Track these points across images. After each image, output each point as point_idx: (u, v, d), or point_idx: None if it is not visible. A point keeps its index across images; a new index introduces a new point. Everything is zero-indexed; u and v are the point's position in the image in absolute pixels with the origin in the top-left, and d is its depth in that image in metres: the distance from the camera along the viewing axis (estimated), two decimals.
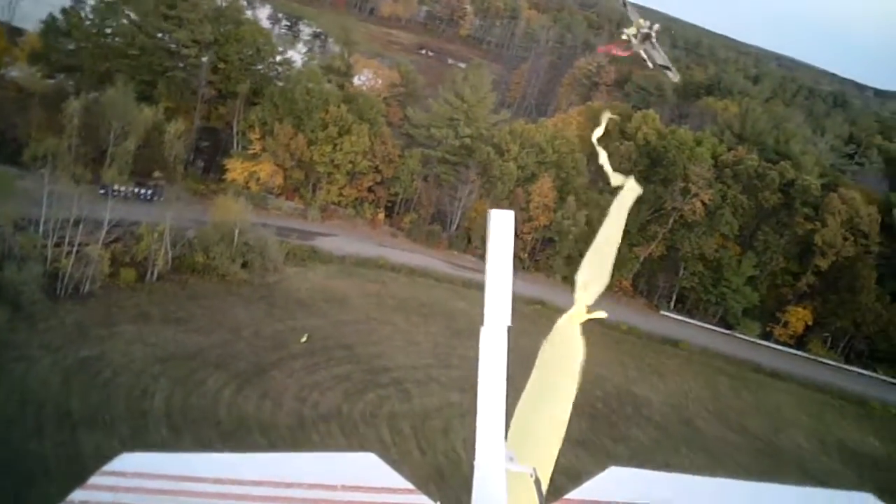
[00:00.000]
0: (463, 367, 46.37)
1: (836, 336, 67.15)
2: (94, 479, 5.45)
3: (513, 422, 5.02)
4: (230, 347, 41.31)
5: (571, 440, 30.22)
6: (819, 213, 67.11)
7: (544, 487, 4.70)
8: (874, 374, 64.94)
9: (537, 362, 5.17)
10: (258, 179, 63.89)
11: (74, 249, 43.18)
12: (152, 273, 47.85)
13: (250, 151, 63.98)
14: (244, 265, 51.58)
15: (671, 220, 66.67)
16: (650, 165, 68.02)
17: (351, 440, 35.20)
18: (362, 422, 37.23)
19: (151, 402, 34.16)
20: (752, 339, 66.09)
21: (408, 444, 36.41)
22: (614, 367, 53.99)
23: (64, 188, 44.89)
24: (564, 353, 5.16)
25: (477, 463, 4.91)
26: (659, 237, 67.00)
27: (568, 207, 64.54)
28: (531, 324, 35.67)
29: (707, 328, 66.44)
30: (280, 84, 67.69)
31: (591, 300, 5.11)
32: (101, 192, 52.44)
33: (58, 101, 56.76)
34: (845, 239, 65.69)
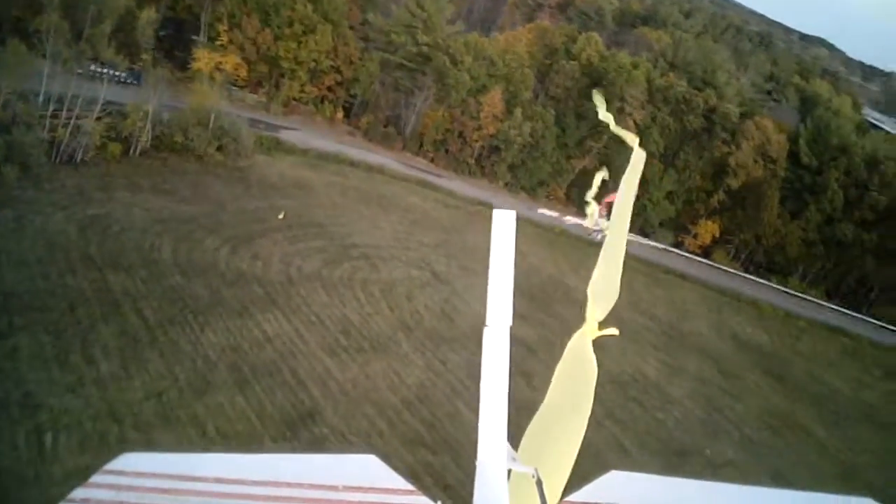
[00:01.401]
0: (420, 251, 53.34)
1: (738, 248, 77.21)
2: (96, 478, 5.46)
3: (526, 438, 4.94)
4: (218, 217, 46.75)
5: (514, 314, 38.27)
6: (735, 138, 75.90)
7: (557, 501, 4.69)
8: (768, 283, 75.36)
9: (553, 378, 5.04)
10: (222, 71, 67.55)
11: (72, 121, 47.30)
12: (135, 149, 52.29)
13: (217, 43, 67.44)
14: (219, 148, 56.37)
15: (605, 137, 74.10)
16: (591, 85, 74.55)
17: (332, 297, 41.74)
18: (340, 284, 43.72)
19: (160, 254, 39.67)
20: (665, 247, 75.19)
21: (379, 304, 43.16)
22: (548, 262, 61.91)
23: (52, 65, 48.45)
24: (578, 371, 5.01)
25: (479, 462, 4.76)
26: (593, 151, 74.50)
27: (515, 119, 71.05)
28: (477, 222, 46.30)
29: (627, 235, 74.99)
30: None
31: (601, 316, 5.04)
32: (79, 72, 55.60)
33: None
34: (756, 162, 74.84)
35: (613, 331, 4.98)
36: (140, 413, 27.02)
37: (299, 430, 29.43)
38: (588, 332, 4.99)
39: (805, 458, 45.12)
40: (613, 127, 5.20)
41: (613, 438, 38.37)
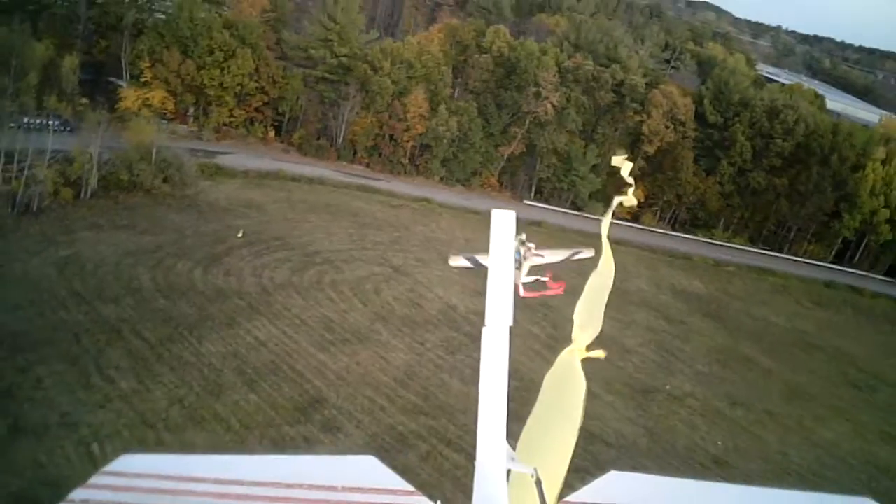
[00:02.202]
0: (376, 249, 56.93)
1: (663, 209, 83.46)
2: (95, 479, 5.53)
3: (518, 446, 5.10)
4: (181, 243, 49.31)
5: (470, 291, 42.29)
6: (645, 107, 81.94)
7: None
8: (695, 237, 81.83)
9: (542, 390, 5.18)
10: (150, 106, 69.55)
11: (24, 174, 49.11)
12: (86, 191, 54.19)
13: (142, 80, 69.46)
14: (165, 180, 58.60)
15: (527, 122, 79.17)
16: (505, 75, 79.68)
17: (307, 300, 44.97)
18: (311, 287, 46.98)
19: (140, 282, 42.20)
20: (597, 218, 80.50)
21: (351, 301, 46.62)
22: None
23: None
24: (567, 387, 5.05)
25: (478, 463, 4.86)
26: (518, 137, 79.42)
27: (440, 116, 75.21)
28: (422, 216, 52.04)
29: (562, 211, 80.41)
30: (160, 15, 72.82)
31: (588, 341, 5.04)
32: (12, 125, 56.99)
33: None
34: (667, 127, 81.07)
35: (600, 353, 5.02)
36: (168, 418, 29.96)
37: (311, 415, 32.81)
38: (577, 351, 5.08)
39: (753, 383, 50.73)
40: (626, 175, 5.28)
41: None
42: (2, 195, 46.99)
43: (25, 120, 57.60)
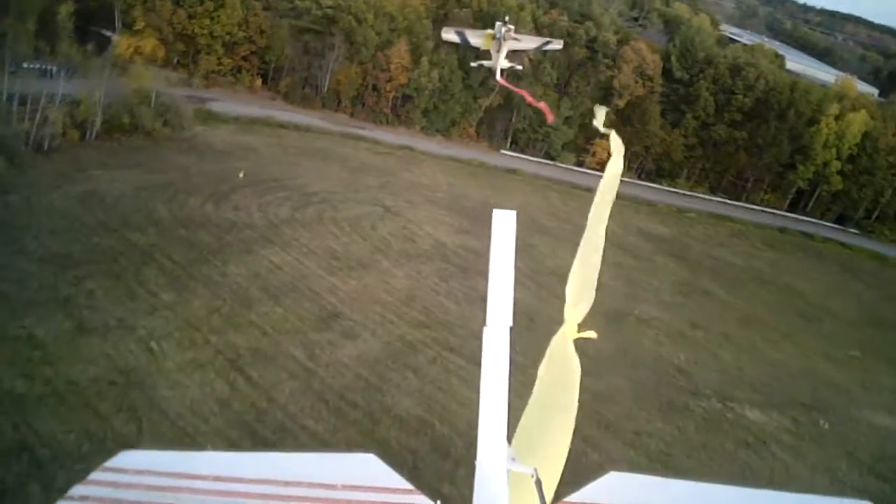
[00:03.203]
0: (368, 192, 61.31)
1: (631, 159, 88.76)
2: (95, 475, 5.61)
3: (514, 437, 5.13)
4: (189, 181, 53.09)
5: (456, 229, 47.66)
6: (616, 62, 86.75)
7: (548, 500, 4.80)
8: (660, 186, 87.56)
9: (537, 380, 5.23)
10: (141, 54, 72.36)
11: (38, 114, 52.23)
12: (91, 133, 57.46)
13: (134, 28, 72.11)
14: (164, 123, 62.01)
15: (505, 74, 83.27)
16: (484, 28, 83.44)
17: (312, 233, 49.35)
18: (313, 223, 51.33)
19: (159, 214, 46.12)
20: (569, 167, 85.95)
21: (352, 235, 51.09)
22: (474, 190, 71.04)
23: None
24: (561, 370, 5.19)
25: (478, 462, 4.92)
26: (496, 89, 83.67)
27: (422, 67, 79.23)
28: (406, 163, 58.87)
29: (536, 161, 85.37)
30: None
31: (580, 318, 5.12)
32: (12, 69, 59.64)
33: None
34: (636, 82, 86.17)
35: (592, 334, 5.08)
36: (210, 323, 34.46)
37: (331, 324, 37.57)
38: (568, 333, 5.15)
39: (712, 311, 56.65)
40: (604, 129, 5.52)
41: (562, 310, 48.17)
42: (17, 134, 49.93)
43: (25, 65, 60.39)
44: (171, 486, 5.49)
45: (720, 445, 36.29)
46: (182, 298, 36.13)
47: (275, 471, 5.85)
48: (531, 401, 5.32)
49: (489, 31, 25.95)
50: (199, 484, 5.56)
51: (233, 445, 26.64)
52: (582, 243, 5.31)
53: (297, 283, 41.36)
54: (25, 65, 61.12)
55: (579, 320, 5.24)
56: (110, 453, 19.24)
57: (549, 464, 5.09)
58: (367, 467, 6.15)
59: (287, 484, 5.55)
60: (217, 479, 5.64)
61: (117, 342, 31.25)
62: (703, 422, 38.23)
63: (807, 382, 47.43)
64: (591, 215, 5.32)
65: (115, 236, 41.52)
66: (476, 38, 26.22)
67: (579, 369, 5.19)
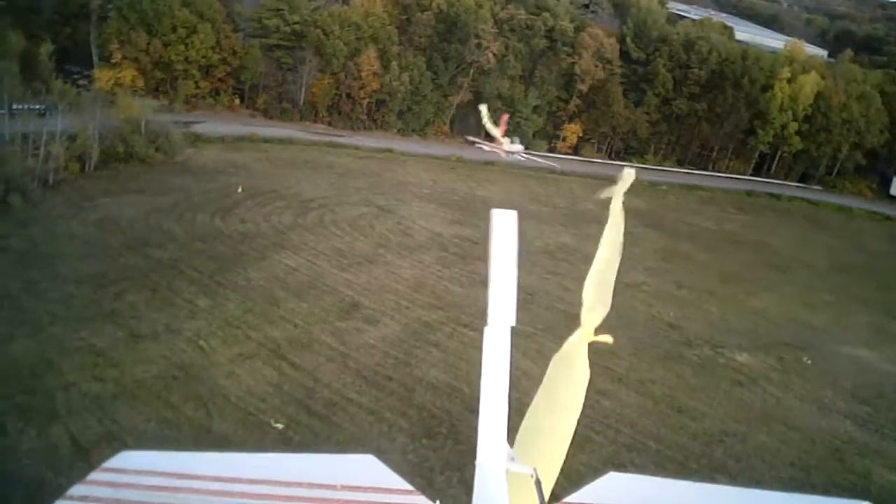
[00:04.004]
0: (359, 194, 64.94)
1: (599, 141, 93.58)
2: (94, 475, 5.69)
3: (519, 433, 5.22)
4: (192, 200, 56.31)
5: (448, 221, 51.69)
6: (575, 49, 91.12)
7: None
8: (630, 164, 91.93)
9: (546, 377, 5.29)
10: (121, 85, 75.26)
11: (41, 151, 55.14)
12: (90, 164, 60.40)
13: (112, 61, 75.03)
14: (156, 149, 65.08)
15: (472, 71, 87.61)
16: (447, 29, 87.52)
17: (317, 236, 52.85)
18: (316, 227, 54.84)
19: (174, 232, 49.35)
20: (542, 154, 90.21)
21: (353, 234, 54.69)
22: (457, 183, 75.03)
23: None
24: (571, 372, 5.23)
25: (478, 462, 4.97)
26: (465, 86, 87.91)
27: (393, 72, 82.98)
28: (389, 164, 64.67)
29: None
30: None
31: (597, 322, 5.20)
32: (1, 111, 62.30)
33: None
34: (596, 66, 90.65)
35: (608, 338, 5.23)
36: (246, 321, 37.93)
37: (353, 313, 41.21)
38: (584, 337, 5.32)
39: (694, 272, 61.11)
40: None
41: (558, 283, 51.98)
42: (26, 171, 52.80)
43: (15, 106, 63.05)
44: (171, 487, 5.53)
45: (716, 386, 40.49)
46: (216, 303, 39.56)
47: (274, 471, 5.91)
48: (536, 398, 5.33)
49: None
50: (198, 484, 5.59)
51: (292, 420, 30.23)
52: (600, 248, 5.55)
53: (314, 280, 44.91)
54: (15, 105, 63.85)
55: (596, 325, 5.31)
56: (190, 435, 23.55)
57: (548, 463, 5.10)
58: (366, 468, 6.15)
59: (287, 484, 5.58)
60: (216, 479, 5.67)
61: (169, 344, 34.65)
62: (699, 367, 42.46)
63: (787, 326, 51.97)
64: (609, 223, 5.64)
65: (139, 255, 44.74)
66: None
67: (588, 373, 5.26)
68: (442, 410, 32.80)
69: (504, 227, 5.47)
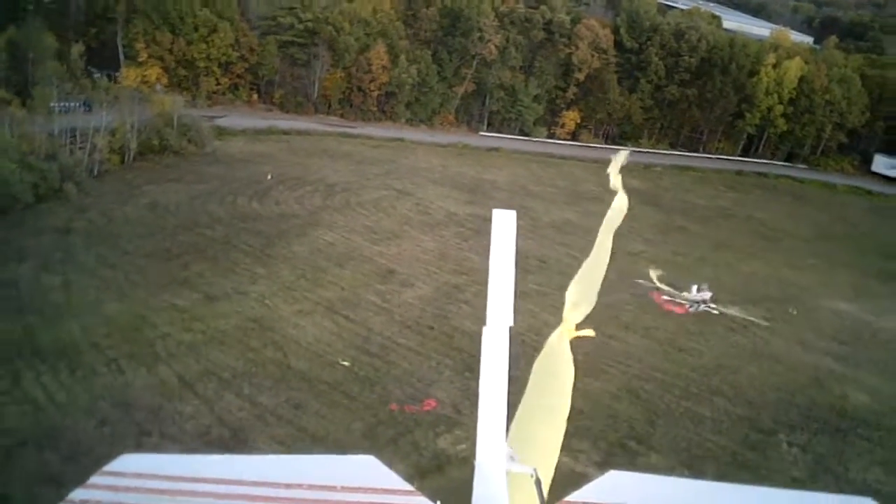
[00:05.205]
0: (377, 179, 70.67)
1: (596, 127, 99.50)
2: (94, 479, 5.63)
3: (509, 435, 5.22)
4: (228, 187, 61.92)
5: (461, 201, 57.71)
6: (572, 40, 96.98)
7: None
8: (625, 147, 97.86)
9: (531, 377, 5.33)
10: (147, 82, 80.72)
11: (87, 144, 60.63)
12: (129, 156, 65.93)
13: (139, 60, 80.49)
14: (188, 141, 70.64)
15: (475, 63, 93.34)
16: (451, 24, 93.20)
17: (346, 216, 58.57)
18: (344, 208, 60.56)
19: (218, 214, 54.99)
20: (542, 140, 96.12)
21: (378, 213, 60.46)
22: (465, 168, 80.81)
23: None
24: (556, 369, 5.29)
25: (478, 462, 4.97)
26: (469, 77, 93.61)
27: (401, 65, 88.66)
28: (401, 152, 72.61)
29: (512, 138, 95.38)
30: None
31: (579, 319, 5.26)
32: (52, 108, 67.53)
33: None
34: (592, 56, 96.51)
35: (590, 332, 5.26)
36: (300, 285, 43.73)
37: (390, 278, 47.03)
38: (565, 333, 5.30)
39: (688, 242, 67.13)
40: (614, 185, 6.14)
41: (567, 254, 57.81)
42: (76, 163, 58.30)
43: (62, 103, 68.46)
44: (171, 490, 5.59)
45: (712, 331, 46.50)
46: (271, 271, 45.34)
47: (274, 473, 5.97)
48: (523, 401, 5.37)
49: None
50: (199, 487, 5.65)
51: (355, 360, 36.06)
52: (592, 252, 5.63)
53: (351, 252, 50.68)
54: (62, 103, 69.00)
55: (578, 321, 5.35)
56: (275, 371, 30.68)
57: (540, 462, 5.13)
58: (366, 469, 6.23)
59: (287, 486, 5.61)
60: (217, 481, 5.74)
61: (240, 303, 40.46)
62: (696, 317, 48.46)
63: (775, 285, 58.02)
64: (602, 228, 5.85)
65: (193, 233, 50.43)
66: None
67: (573, 369, 5.34)
68: (478, 352, 38.53)
69: (503, 226, 5.60)
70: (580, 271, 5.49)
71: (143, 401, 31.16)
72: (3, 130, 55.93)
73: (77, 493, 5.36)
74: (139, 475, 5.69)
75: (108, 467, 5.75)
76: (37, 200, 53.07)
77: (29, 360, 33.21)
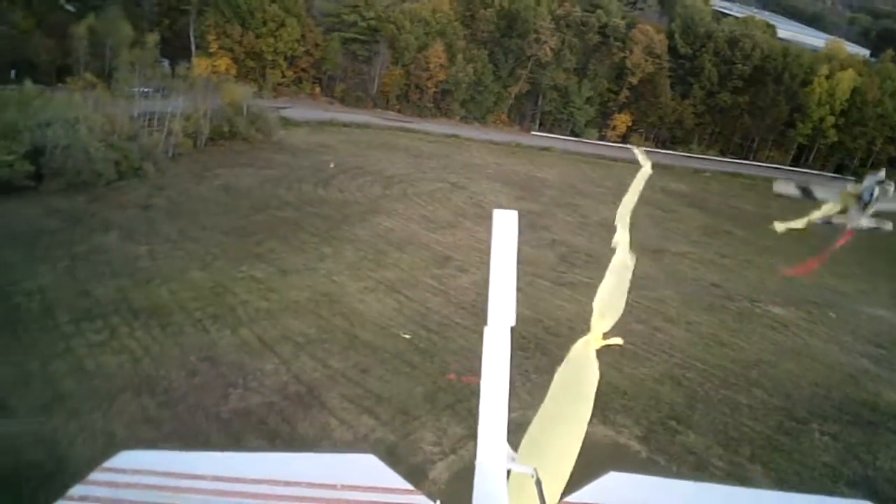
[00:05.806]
0: (433, 172, 73.80)
1: (647, 130, 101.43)
2: (94, 476, 5.68)
3: (525, 440, 5.27)
4: (295, 174, 65.57)
5: (513, 197, 60.54)
6: (626, 44, 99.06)
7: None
8: (675, 152, 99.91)
9: (553, 383, 5.35)
10: (217, 72, 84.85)
11: (165, 127, 64.76)
12: (201, 141, 69.97)
13: (209, 51, 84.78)
14: (256, 130, 74.54)
15: (530, 64, 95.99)
16: (508, 25, 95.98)
17: (404, 204, 61.81)
18: (402, 197, 63.79)
19: (286, 198, 58.58)
20: (594, 142, 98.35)
21: (434, 205, 63.56)
22: (517, 166, 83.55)
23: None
24: (580, 376, 5.29)
25: (478, 462, 5.01)
26: (523, 77, 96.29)
27: (458, 64, 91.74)
28: (456, 148, 76.53)
29: (564, 138, 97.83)
30: None
31: (606, 328, 5.33)
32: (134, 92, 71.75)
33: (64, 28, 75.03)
34: (646, 61, 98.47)
35: (618, 340, 5.32)
36: (364, 265, 47.03)
37: (446, 264, 50.05)
38: (593, 342, 5.40)
39: (734, 246, 69.00)
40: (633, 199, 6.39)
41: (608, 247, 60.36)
42: (154, 144, 62.42)
43: (142, 89, 72.84)
44: (171, 486, 5.60)
45: (753, 329, 48.65)
46: (337, 251, 48.75)
47: (275, 471, 5.95)
48: (545, 402, 5.43)
49: (850, 189, 18.56)
50: (198, 484, 5.67)
51: (416, 335, 39.17)
52: (612, 261, 5.91)
53: (410, 238, 53.87)
54: (143, 88, 73.16)
55: (605, 330, 5.44)
56: (342, 339, 34.33)
57: (555, 468, 5.17)
58: (366, 467, 6.22)
59: (287, 484, 5.63)
60: (217, 478, 5.73)
61: (311, 277, 43.91)
62: (738, 315, 50.62)
63: (816, 289, 59.70)
64: (619, 237, 6.20)
65: (265, 214, 54.10)
66: (824, 193, 18.07)
67: (597, 377, 5.38)
68: (530, 333, 41.37)
69: (504, 226, 5.65)
70: (605, 279, 5.77)
71: (228, 357, 34.63)
72: (90, 111, 60.26)
73: (77, 490, 5.48)
74: (138, 472, 5.77)
75: (108, 464, 5.86)
76: (118, 177, 57.26)
77: (124, 317, 36.98)
